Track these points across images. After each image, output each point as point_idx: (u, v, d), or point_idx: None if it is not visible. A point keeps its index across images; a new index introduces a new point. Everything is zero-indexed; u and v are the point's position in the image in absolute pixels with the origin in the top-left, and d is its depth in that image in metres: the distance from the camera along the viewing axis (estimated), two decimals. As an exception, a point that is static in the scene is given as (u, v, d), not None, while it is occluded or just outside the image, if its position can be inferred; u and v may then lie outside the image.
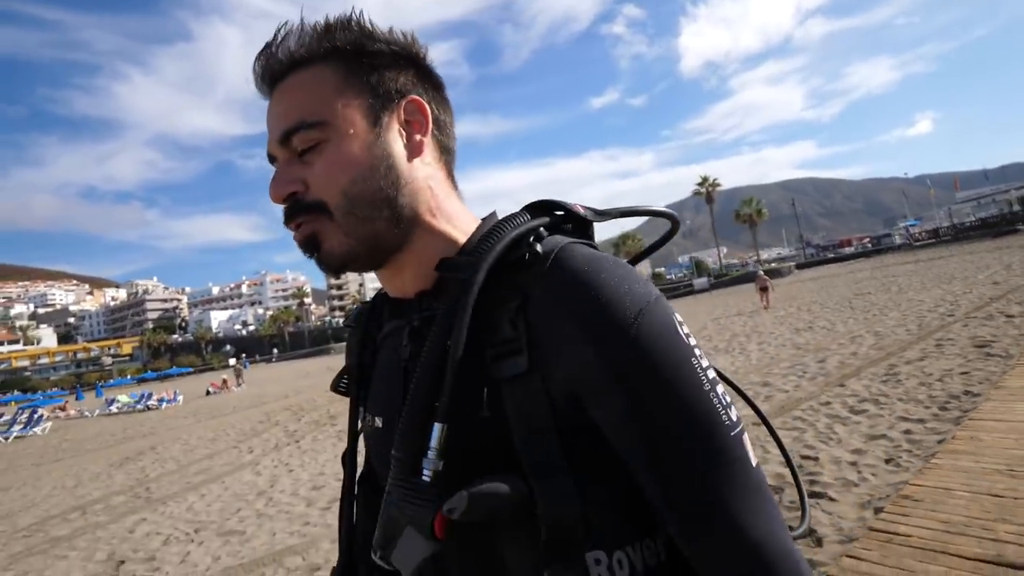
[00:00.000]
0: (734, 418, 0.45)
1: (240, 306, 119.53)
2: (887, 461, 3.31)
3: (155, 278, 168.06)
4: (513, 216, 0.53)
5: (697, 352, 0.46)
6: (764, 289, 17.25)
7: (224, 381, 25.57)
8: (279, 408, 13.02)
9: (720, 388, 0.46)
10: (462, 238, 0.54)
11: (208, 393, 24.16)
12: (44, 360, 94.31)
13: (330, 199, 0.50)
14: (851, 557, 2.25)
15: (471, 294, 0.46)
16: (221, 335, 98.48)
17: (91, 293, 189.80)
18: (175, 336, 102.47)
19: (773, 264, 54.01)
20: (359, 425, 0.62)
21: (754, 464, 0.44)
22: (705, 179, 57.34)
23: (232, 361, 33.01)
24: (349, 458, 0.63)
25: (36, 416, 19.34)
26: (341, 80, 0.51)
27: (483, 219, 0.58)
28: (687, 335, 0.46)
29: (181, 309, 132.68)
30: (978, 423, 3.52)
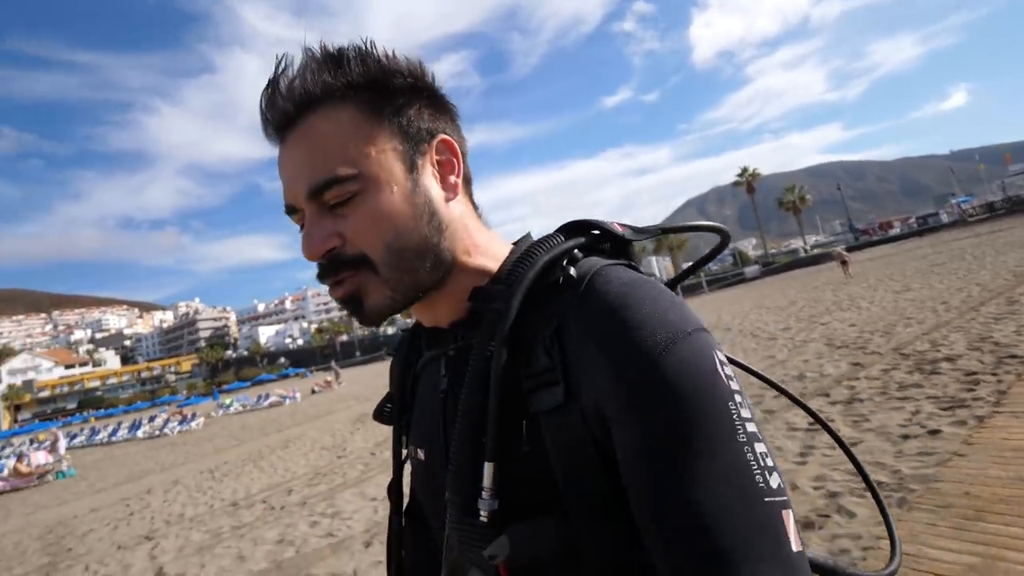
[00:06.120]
0: (775, 486, 0.37)
1: (285, 321, 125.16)
2: (1040, 334, 5.31)
3: (197, 299, 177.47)
4: (546, 239, 0.52)
5: (737, 398, 0.40)
6: (844, 263, 19.72)
7: (327, 382, 28.68)
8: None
9: (761, 448, 0.38)
10: (495, 266, 0.54)
11: (313, 392, 26.99)
12: (112, 380, 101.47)
13: (373, 253, 0.48)
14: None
15: (506, 325, 0.45)
16: (272, 349, 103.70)
17: (141, 316, 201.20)
18: (229, 352, 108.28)
19: (817, 250, 54.54)
20: (403, 454, 0.63)
21: (794, 549, 0.36)
22: (745, 169, 58.25)
23: (333, 364, 37.20)
24: (395, 489, 0.62)
25: (190, 415, 23.05)
26: (368, 123, 0.49)
27: (515, 243, 0.57)
28: (728, 376, 0.42)
29: (229, 327, 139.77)
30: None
